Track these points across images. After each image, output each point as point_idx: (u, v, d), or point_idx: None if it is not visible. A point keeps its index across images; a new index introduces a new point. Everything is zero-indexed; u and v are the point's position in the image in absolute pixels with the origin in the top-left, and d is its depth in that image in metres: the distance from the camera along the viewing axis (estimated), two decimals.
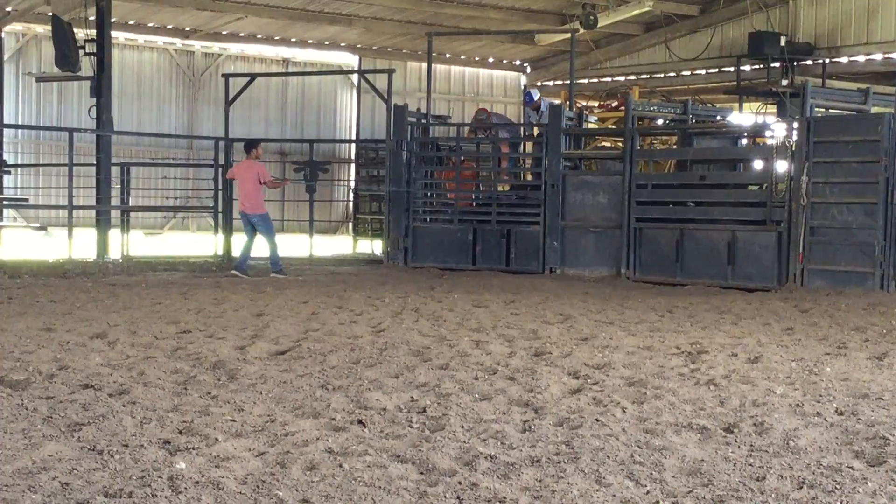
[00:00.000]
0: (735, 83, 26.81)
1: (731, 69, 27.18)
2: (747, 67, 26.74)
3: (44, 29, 25.24)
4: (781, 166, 18.27)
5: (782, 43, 25.46)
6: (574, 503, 5.59)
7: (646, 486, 5.94)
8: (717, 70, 28.19)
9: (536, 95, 23.88)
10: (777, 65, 25.74)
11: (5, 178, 25.58)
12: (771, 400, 8.30)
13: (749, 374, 9.43)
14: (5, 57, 26.03)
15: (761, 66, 26.20)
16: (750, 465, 6.41)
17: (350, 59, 30.96)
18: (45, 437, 6.69)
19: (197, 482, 5.74)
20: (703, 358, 10.33)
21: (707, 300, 15.71)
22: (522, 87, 31.74)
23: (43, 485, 5.64)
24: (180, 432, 6.90)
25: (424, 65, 25.37)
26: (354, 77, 30.22)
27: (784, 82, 25.28)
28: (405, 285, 17.53)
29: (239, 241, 20.94)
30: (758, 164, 19.49)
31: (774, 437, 7.10)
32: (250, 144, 20.34)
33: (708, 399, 8.32)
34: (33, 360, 9.40)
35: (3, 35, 25.87)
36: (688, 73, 28.83)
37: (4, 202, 25.28)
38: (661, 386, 8.80)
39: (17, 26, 26.28)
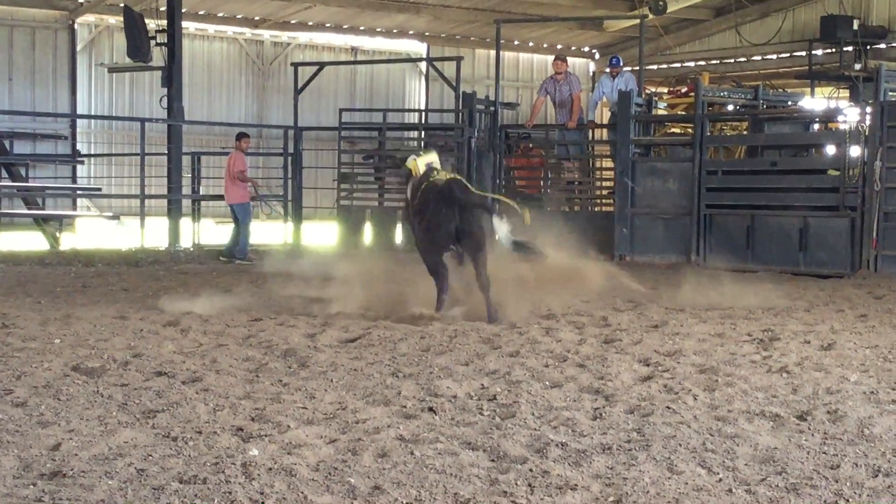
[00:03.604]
0: (807, 68, 26.50)
1: (803, 54, 26.87)
2: (819, 52, 26.43)
3: (116, 20, 25.45)
4: (854, 151, 18.05)
5: (855, 26, 25.12)
6: (646, 491, 5.57)
7: (718, 473, 5.90)
8: (788, 55, 27.86)
9: (622, 62, 23.52)
10: (850, 49, 25.40)
11: (79, 167, 25.89)
12: (845, 387, 8.21)
13: (822, 362, 9.34)
14: (78, 48, 26.30)
15: (834, 50, 25.87)
16: (824, 453, 6.35)
17: (418, 47, 30.94)
18: (120, 423, 6.78)
19: (270, 469, 5.78)
20: (776, 345, 10.24)
21: (779, 286, 15.55)
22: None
23: (119, 471, 5.71)
24: (253, 419, 6.95)
25: (492, 52, 25.29)
26: (422, 65, 30.22)
27: (857, 66, 24.95)
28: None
29: (308, 229, 21.21)
30: (830, 150, 19.26)
31: (849, 424, 7.03)
32: (237, 136, 21.15)
33: (780, 386, 8.24)
34: (108, 347, 9.53)
35: (76, 26, 26.15)
36: (758, 57, 28.50)
37: (78, 192, 25.57)
38: (733, 373, 8.74)
39: (89, 17, 26.53)
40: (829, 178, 18.78)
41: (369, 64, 30.03)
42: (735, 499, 5.50)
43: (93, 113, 26.67)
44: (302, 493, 5.42)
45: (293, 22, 28.56)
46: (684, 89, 25.24)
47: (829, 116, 21.38)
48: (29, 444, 6.22)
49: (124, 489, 5.42)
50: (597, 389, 8.06)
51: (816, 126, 21.21)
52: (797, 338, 10.69)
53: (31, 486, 5.44)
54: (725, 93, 23.16)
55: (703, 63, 29.47)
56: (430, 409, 7.27)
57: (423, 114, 27.33)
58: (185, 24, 24.16)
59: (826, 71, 26.34)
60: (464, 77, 24.60)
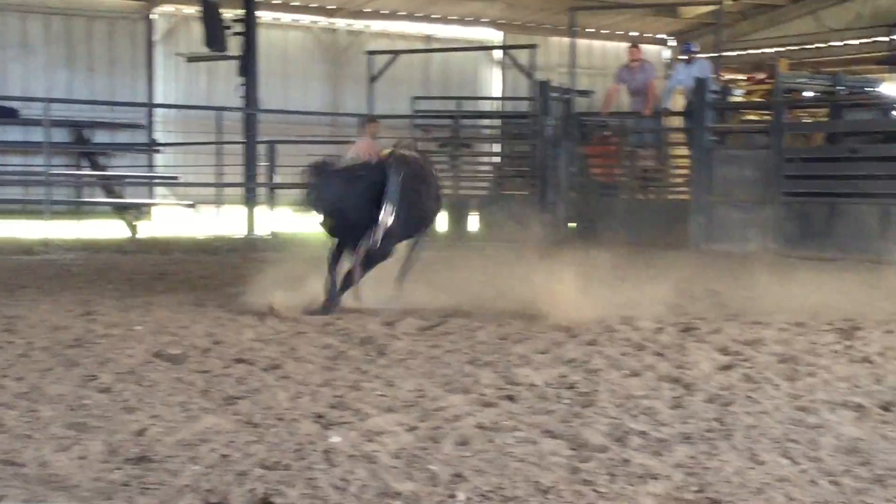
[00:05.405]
0: (888, 53, 26.15)
1: (885, 39, 26.52)
2: None
3: (193, 10, 25.72)
4: None
5: None
6: (728, 481, 5.53)
7: (801, 464, 5.84)
8: (869, 40, 27.50)
9: (696, 48, 23.23)
10: None
11: (156, 156, 26.19)
12: None
13: None
14: (156, 38, 26.60)
15: None
16: None
17: (493, 35, 30.94)
18: (202, 409, 6.84)
19: (351, 456, 5.81)
20: (858, 334, 10.10)
21: (859, 276, 15.35)
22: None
23: (203, 456, 5.77)
24: (333, 407, 6.98)
25: (567, 39, 25.21)
26: (497, 53, 30.19)
27: None
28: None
29: None
30: None
31: None
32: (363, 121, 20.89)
33: (863, 376, 8.14)
34: (188, 334, 9.63)
35: (153, 17, 26.44)
36: (838, 43, 28.15)
37: (156, 180, 25.88)
38: (814, 363, 8.63)
39: (167, 8, 26.83)
40: None
41: (443, 52, 30.05)
42: (819, 489, 5.43)
43: (170, 102, 26.97)
44: (383, 479, 5.43)
45: (367, 10, 28.68)
46: (762, 76, 25.02)
47: None
48: (115, 430, 6.31)
49: (209, 474, 5.47)
50: (676, 378, 8.00)
51: None
52: (879, 327, 10.54)
53: (118, 471, 5.51)
54: (804, 79, 22.92)
55: (780, 49, 29.14)
56: (509, 398, 7.27)
57: (498, 102, 27.32)
58: (260, 13, 24.36)
59: None
60: (538, 65, 24.55)
